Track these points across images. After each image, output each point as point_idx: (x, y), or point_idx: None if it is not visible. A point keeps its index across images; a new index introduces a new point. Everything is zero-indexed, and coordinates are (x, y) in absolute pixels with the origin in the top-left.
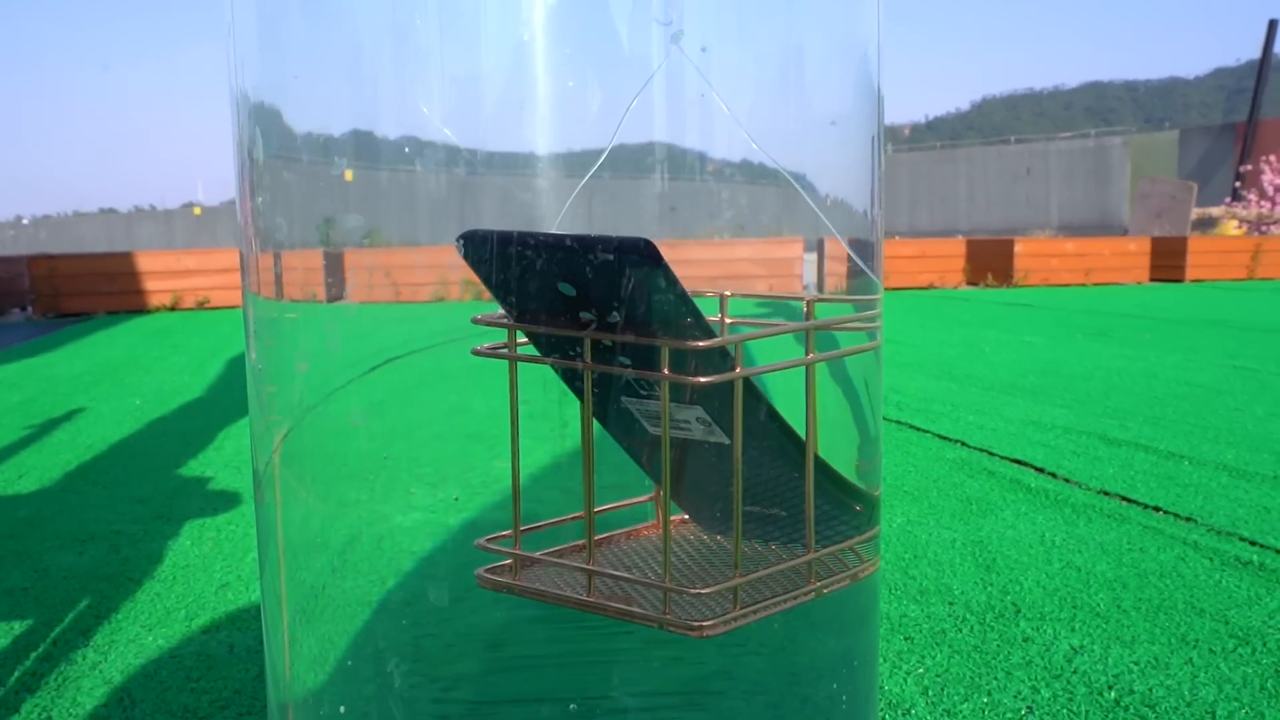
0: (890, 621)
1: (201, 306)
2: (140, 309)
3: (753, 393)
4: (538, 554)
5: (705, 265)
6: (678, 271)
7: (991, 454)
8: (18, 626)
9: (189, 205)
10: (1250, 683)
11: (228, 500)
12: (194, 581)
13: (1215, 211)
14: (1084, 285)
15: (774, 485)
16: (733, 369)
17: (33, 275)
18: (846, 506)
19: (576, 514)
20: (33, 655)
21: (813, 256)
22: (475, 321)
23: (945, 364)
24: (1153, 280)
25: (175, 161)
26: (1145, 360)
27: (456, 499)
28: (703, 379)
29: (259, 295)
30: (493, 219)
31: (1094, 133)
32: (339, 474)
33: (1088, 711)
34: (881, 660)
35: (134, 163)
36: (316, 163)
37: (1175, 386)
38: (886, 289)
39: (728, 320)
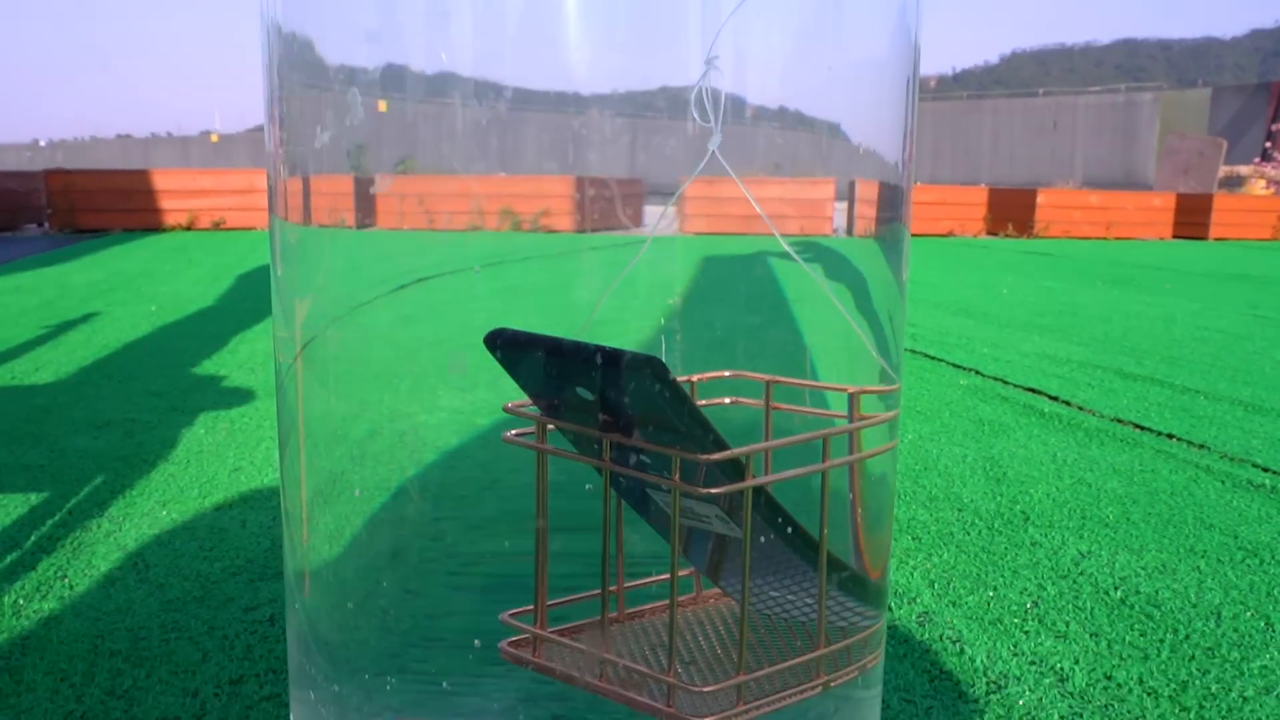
0: (898, 523)
1: (217, 227)
2: (156, 227)
3: (767, 501)
4: (555, 632)
5: (738, 203)
6: (710, 209)
7: (1005, 382)
8: (34, 498)
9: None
10: (1257, 589)
11: (242, 396)
12: (207, 465)
13: (1243, 170)
14: (1105, 239)
15: (795, 575)
16: (745, 476)
17: (49, 190)
18: (859, 600)
19: (595, 592)
20: (49, 522)
21: (843, 205)
22: (506, 410)
23: (962, 303)
24: (1175, 237)
25: (192, 90)
26: (1164, 307)
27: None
28: (713, 490)
29: (286, 220)
30: (532, 154)
31: (1124, 88)
32: (362, 376)
33: (1093, 608)
34: (890, 558)
35: (151, 90)
36: (346, 92)
37: (1194, 331)
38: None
39: (767, 404)
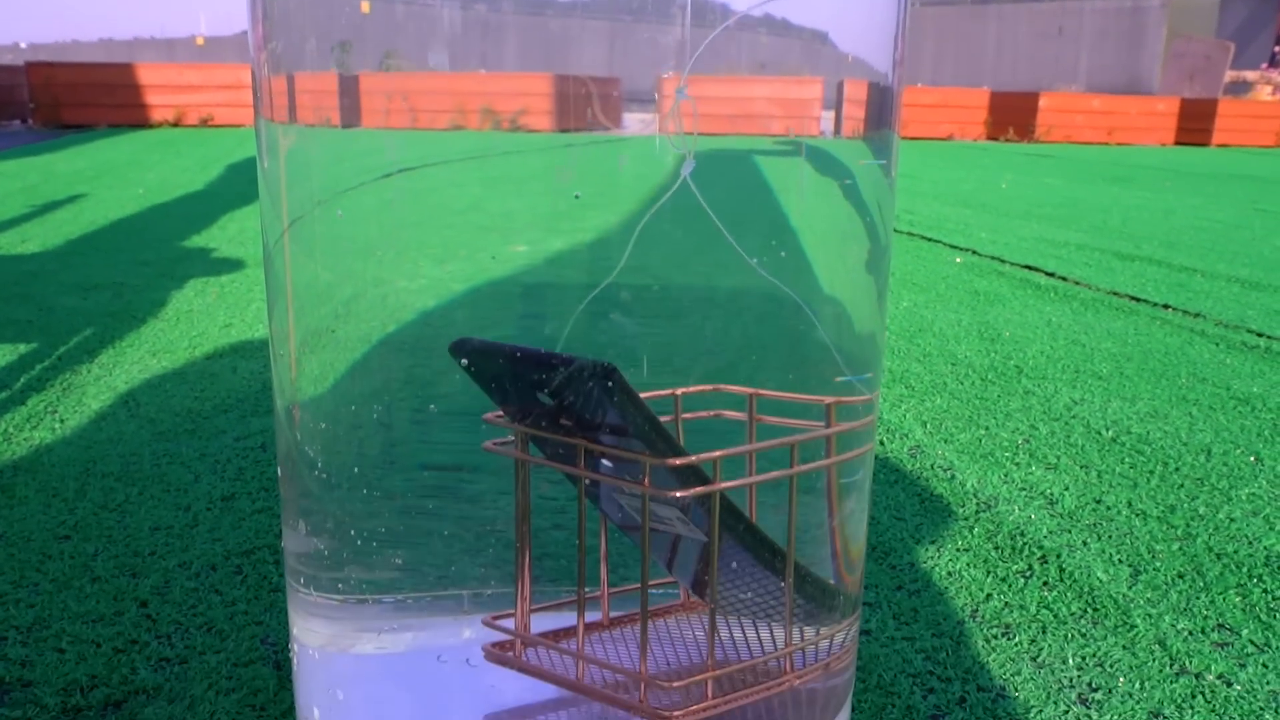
0: (892, 374)
1: (205, 124)
2: (142, 123)
3: (729, 508)
4: (537, 635)
5: (723, 103)
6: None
7: (1002, 260)
8: (23, 348)
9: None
10: (1248, 431)
11: (231, 265)
12: (198, 322)
13: (1250, 76)
14: (1106, 144)
15: (762, 581)
16: (709, 480)
17: (31, 83)
18: (822, 606)
19: (570, 599)
20: (39, 367)
21: (830, 113)
22: (485, 420)
23: (960, 195)
24: (1177, 143)
25: None
26: (1165, 201)
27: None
28: (680, 493)
29: (272, 120)
30: (513, 52)
31: None
32: (347, 250)
33: (1084, 445)
34: (882, 401)
35: None
36: None
37: (1193, 221)
38: (905, 137)
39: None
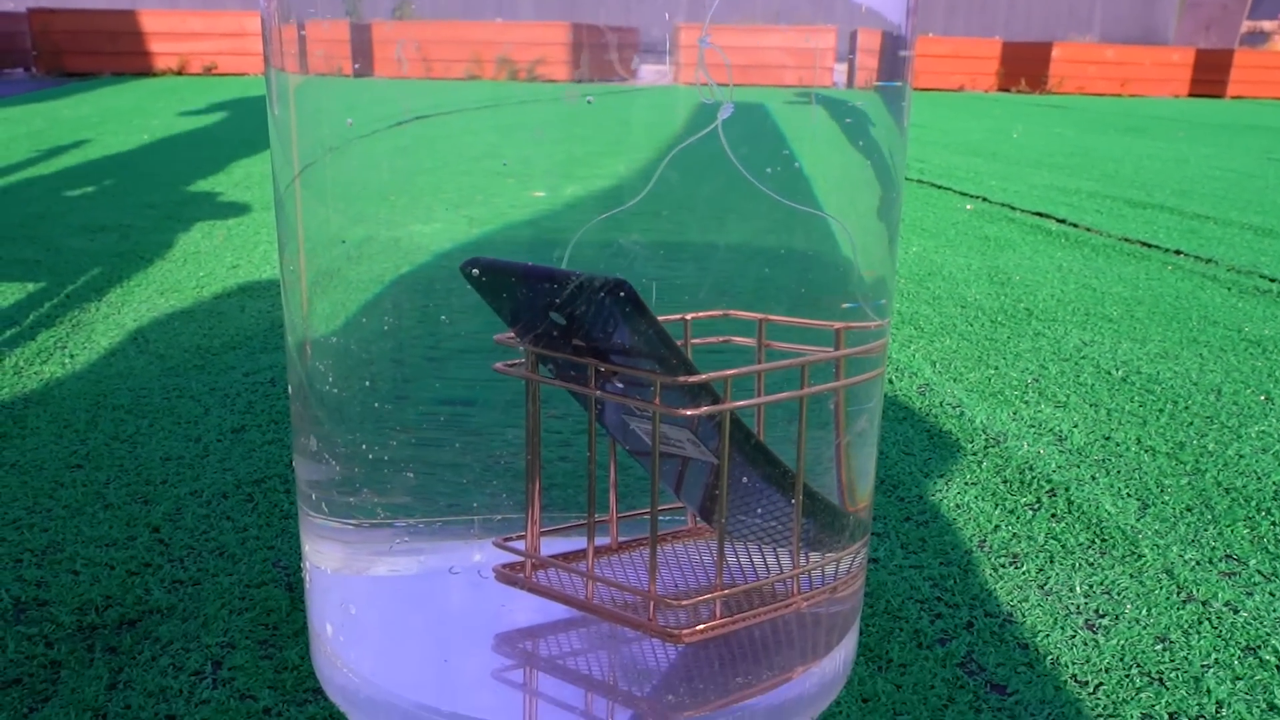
0: (901, 316)
1: (209, 72)
2: (146, 71)
3: (740, 429)
4: (546, 557)
5: (733, 53)
6: (709, 58)
7: (1013, 208)
8: (31, 286)
9: None
10: (1259, 372)
11: (238, 209)
12: (205, 263)
13: (1267, 26)
14: (1119, 95)
15: (770, 503)
16: (721, 400)
17: (32, 30)
18: (833, 529)
19: (580, 522)
20: (47, 304)
21: (843, 67)
22: (496, 341)
23: (971, 145)
24: (1192, 94)
25: None
26: (1178, 151)
27: (505, 163)
28: (690, 411)
29: (283, 70)
30: (530, 2)
31: None
32: (359, 194)
33: (1094, 384)
34: (891, 341)
35: None
36: None
37: (1206, 170)
38: (915, 88)
39: (749, 341)
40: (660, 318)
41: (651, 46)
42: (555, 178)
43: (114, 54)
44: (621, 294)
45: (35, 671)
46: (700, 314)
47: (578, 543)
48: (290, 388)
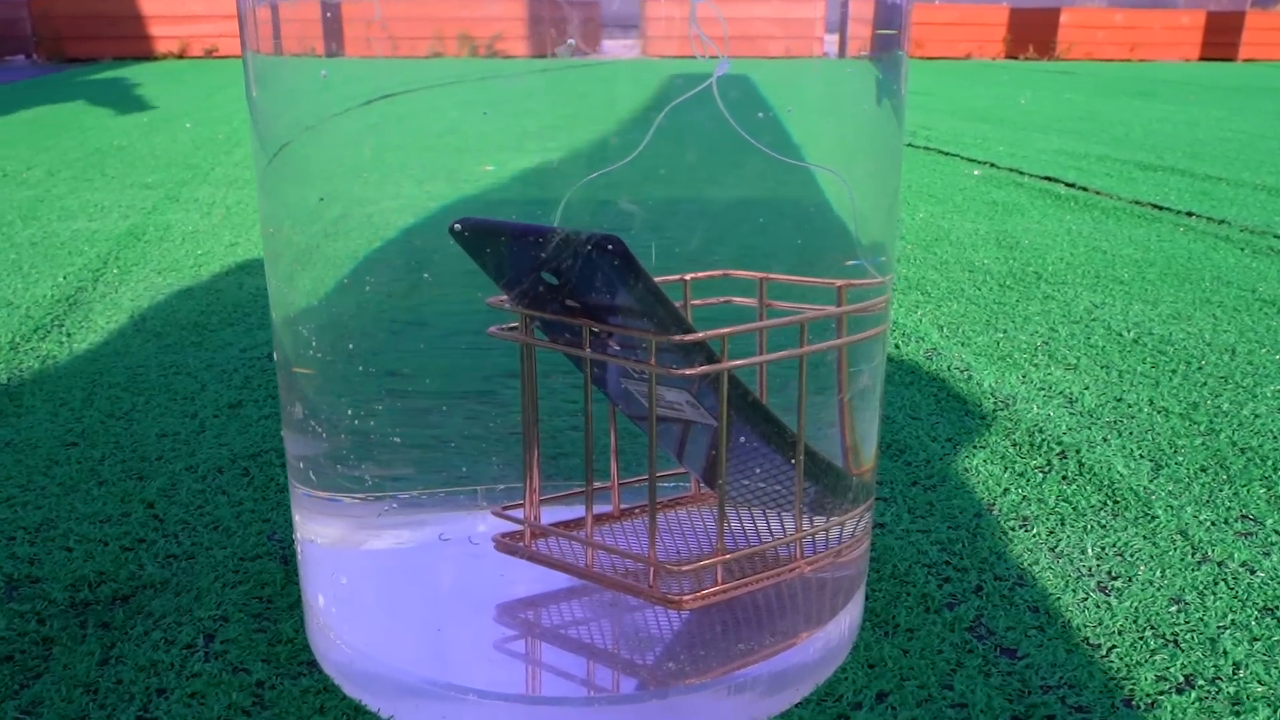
0: (907, 282)
1: (209, 55)
2: (147, 56)
3: (737, 386)
4: (546, 525)
5: (718, 25)
6: (680, 30)
7: (1021, 172)
8: (28, 267)
9: None
10: (1274, 331)
11: (238, 188)
12: (203, 241)
13: None
14: (1129, 60)
15: (771, 465)
16: (719, 360)
17: (32, 16)
18: (836, 490)
19: (580, 490)
20: (44, 285)
21: (834, 38)
22: (489, 304)
23: (978, 111)
24: (1203, 58)
25: None
26: (1188, 114)
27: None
28: (689, 371)
29: (259, 52)
30: None
31: None
32: (334, 173)
33: (1105, 346)
34: (897, 307)
35: None
36: None
37: (1218, 133)
38: (919, 57)
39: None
40: (658, 279)
41: (617, 20)
42: (508, 153)
43: (115, 38)
44: (610, 249)
45: (27, 648)
46: (700, 274)
47: (578, 510)
48: (278, 368)
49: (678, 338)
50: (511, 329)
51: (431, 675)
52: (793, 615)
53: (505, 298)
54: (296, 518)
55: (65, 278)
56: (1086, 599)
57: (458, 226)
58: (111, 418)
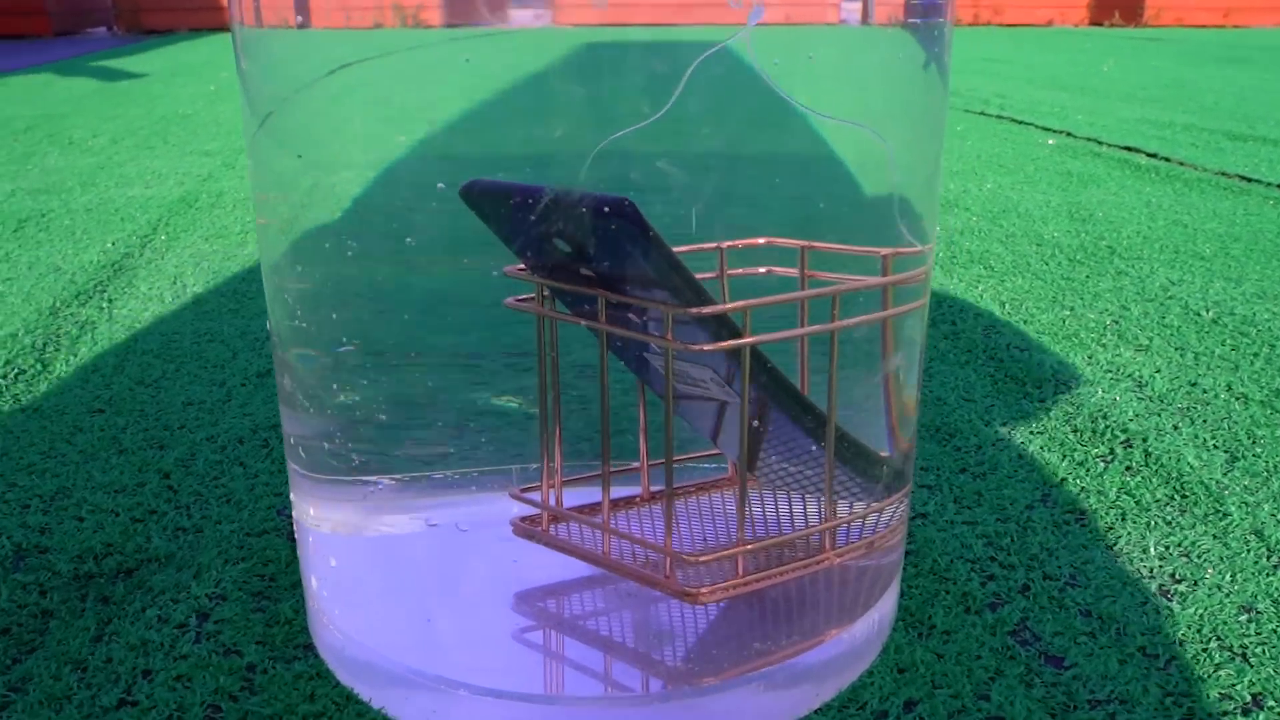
0: (969, 255)
1: None
2: (221, 26)
3: (764, 366)
4: (565, 510)
5: None
6: None
7: (1099, 142)
8: (80, 233)
9: None
10: None
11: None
12: (254, 209)
13: None
14: (1222, 27)
15: (799, 448)
16: (741, 334)
17: None
18: (866, 476)
19: (596, 473)
20: (94, 250)
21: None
22: (506, 273)
23: (1057, 79)
24: None
25: None
26: None
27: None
28: (706, 347)
29: (243, 23)
30: None
31: None
32: (310, 140)
33: (1180, 326)
34: (957, 281)
35: None
36: None
37: None
38: (997, 24)
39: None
40: (693, 246)
41: None
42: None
43: (191, 10)
44: (624, 213)
45: (25, 621)
46: (738, 242)
47: (620, 489)
48: (273, 342)
49: (693, 310)
50: (527, 300)
51: (420, 666)
52: (818, 611)
53: (523, 266)
54: (292, 495)
55: (114, 244)
56: (1146, 604)
57: (471, 192)
58: (140, 385)
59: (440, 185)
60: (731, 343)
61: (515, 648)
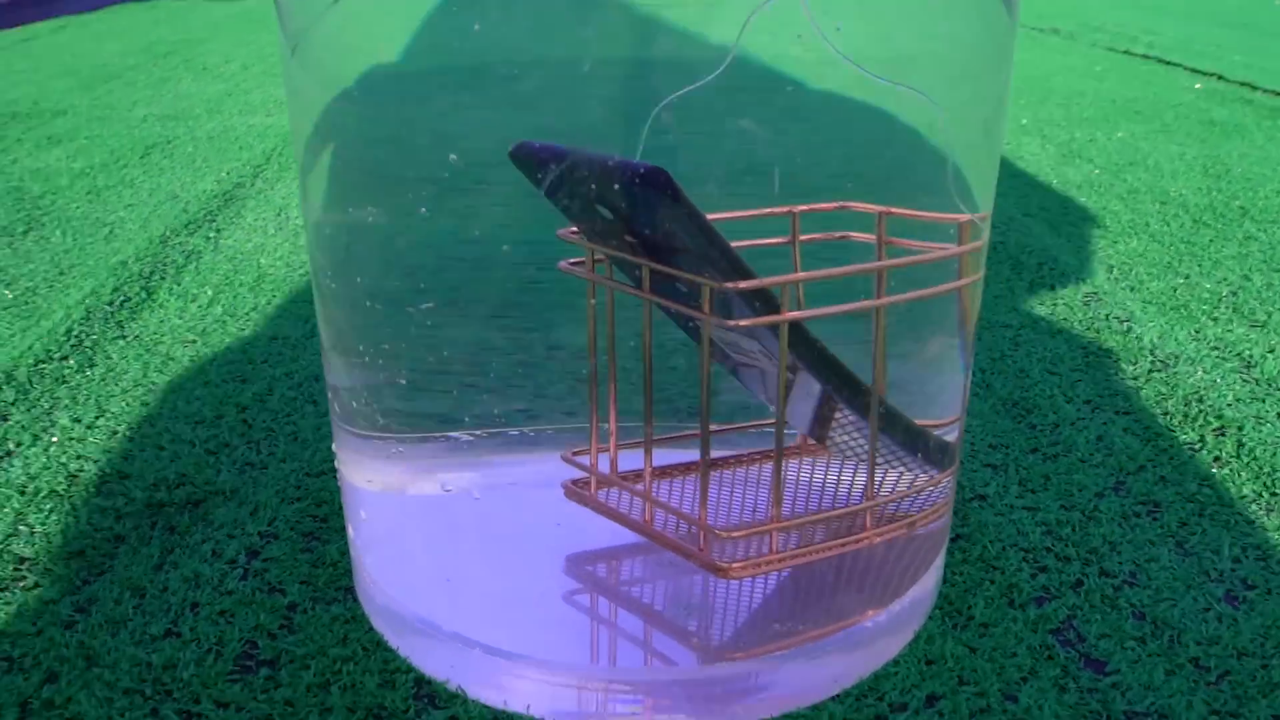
0: (1083, 213)
1: None
2: None
3: (805, 341)
4: (611, 475)
5: None
6: None
7: (1253, 87)
8: (200, 162)
9: None
10: None
11: None
12: None
13: None
14: None
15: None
16: (780, 308)
17: None
18: (920, 456)
19: (639, 440)
20: (208, 179)
21: None
22: (559, 235)
23: (1218, 13)
24: None
25: None
26: None
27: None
28: (744, 321)
29: None
30: None
31: None
32: (325, 75)
33: None
34: (1065, 241)
35: None
36: None
37: None
38: None
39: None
40: (765, 210)
41: None
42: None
43: None
44: (658, 183)
45: (99, 545)
46: (813, 206)
47: (681, 454)
48: (315, 295)
49: (730, 284)
50: (579, 263)
51: (439, 622)
52: (848, 592)
53: (575, 229)
54: (334, 444)
55: (229, 172)
56: (1208, 610)
57: (520, 155)
58: (232, 317)
59: (452, 157)
60: (767, 319)
61: (542, 612)
